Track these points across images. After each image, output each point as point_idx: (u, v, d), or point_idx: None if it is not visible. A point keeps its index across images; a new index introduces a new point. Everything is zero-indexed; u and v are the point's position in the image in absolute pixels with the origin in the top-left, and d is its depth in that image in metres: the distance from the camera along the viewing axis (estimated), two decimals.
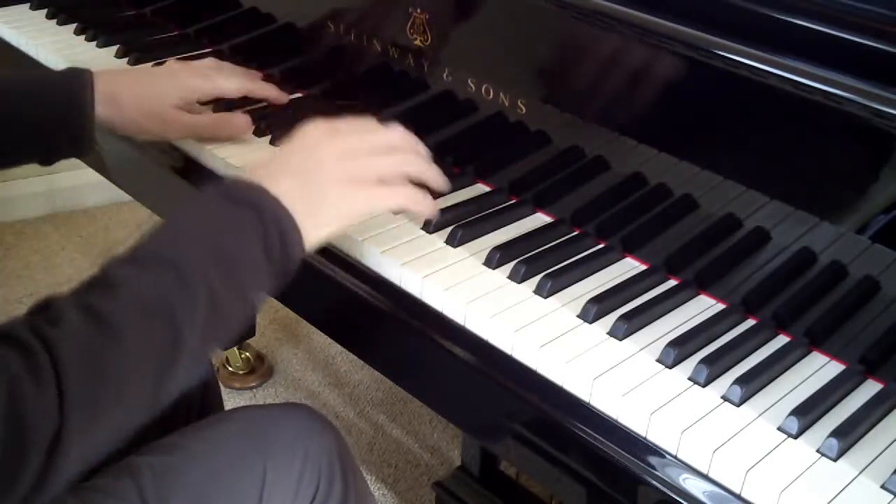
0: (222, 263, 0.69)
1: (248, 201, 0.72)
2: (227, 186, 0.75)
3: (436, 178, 0.85)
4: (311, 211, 0.74)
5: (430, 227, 0.90)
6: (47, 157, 0.93)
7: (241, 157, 0.99)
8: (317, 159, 0.77)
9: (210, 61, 1.04)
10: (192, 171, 1.02)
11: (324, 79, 1.13)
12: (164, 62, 1.10)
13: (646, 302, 0.82)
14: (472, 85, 0.95)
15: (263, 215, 0.72)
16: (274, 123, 1.03)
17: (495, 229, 0.91)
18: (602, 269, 0.87)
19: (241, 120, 0.96)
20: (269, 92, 1.06)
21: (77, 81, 0.92)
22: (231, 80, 1.01)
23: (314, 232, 0.75)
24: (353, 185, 0.78)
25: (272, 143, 1.02)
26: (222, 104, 1.05)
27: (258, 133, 1.03)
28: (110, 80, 0.94)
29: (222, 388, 1.75)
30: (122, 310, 0.63)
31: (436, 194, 0.86)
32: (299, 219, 0.74)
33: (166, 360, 0.64)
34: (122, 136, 1.01)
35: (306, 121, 0.81)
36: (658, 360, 0.76)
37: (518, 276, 0.84)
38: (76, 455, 0.60)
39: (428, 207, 0.84)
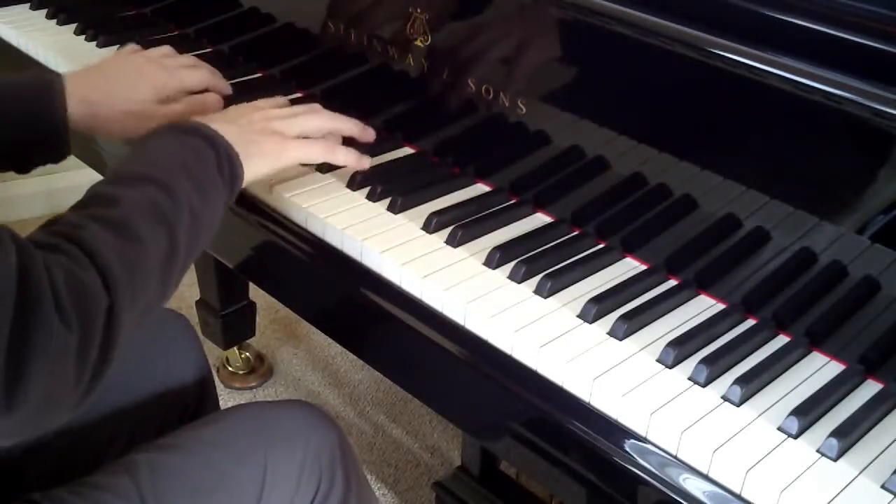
0: (191, 179, 0.77)
1: (198, 133, 0.82)
2: (177, 124, 0.84)
3: (352, 129, 0.96)
4: (245, 152, 0.84)
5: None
6: (23, 166, 0.93)
7: None
8: (248, 119, 0.90)
9: (167, 49, 1.05)
10: None
11: (324, 79, 1.13)
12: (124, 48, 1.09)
13: (646, 302, 0.82)
14: (472, 85, 0.95)
15: (214, 143, 0.82)
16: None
17: (495, 229, 0.91)
18: (602, 269, 0.87)
19: (212, 99, 1.02)
20: (223, 86, 1.07)
21: (48, 89, 0.92)
22: (193, 74, 1.03)
23: (248, 170, 0.85)
24: (280, 136, 0.89)
25: None
26: None
27: None
28: (82, 84, 0.94)
29: (223, 388, 1.75)
30: (128, 215, 0.71)
31: (363, 146, 0.97)
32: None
33: (170, 259, 0.73)
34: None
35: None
36: (658, 360, 0.76)
37: (518, 276, 0.84)
38: (125, 332, 0.67)
39: (349, 158, 0.94)
